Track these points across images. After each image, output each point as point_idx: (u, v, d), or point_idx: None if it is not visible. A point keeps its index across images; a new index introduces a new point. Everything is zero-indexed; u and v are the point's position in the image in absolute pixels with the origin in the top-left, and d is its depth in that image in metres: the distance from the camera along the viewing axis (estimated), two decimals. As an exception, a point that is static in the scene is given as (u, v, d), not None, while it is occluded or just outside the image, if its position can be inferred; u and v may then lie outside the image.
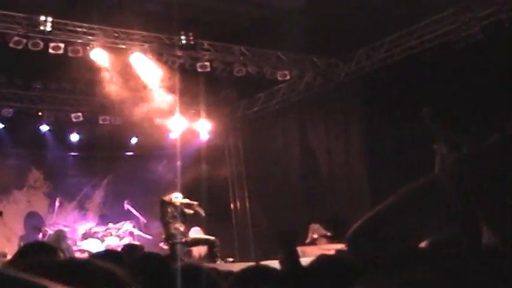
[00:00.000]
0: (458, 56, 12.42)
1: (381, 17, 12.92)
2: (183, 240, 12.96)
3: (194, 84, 15.17)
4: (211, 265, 12.28)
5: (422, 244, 3.06)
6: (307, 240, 14.13)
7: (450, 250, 2.50)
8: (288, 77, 15.13)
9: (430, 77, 12.79)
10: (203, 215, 13.29)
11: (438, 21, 12.81)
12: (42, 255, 4.54)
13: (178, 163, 15.15)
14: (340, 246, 11.00)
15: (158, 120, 16.81)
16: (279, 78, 15.15)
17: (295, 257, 5.05)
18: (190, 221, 13.53)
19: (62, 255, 14.45)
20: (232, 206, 18.49)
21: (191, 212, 13.24)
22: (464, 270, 2.01)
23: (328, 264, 3.39)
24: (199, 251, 14.25)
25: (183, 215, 13.14)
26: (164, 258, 5.05)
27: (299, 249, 12.34)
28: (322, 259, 3.76)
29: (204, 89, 15.72)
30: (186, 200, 13.29)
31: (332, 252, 11.64)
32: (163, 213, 13.22)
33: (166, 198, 13.12)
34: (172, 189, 13.71)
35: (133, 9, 12.87)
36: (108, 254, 6.04)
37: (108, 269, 1.68)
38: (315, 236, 14.17)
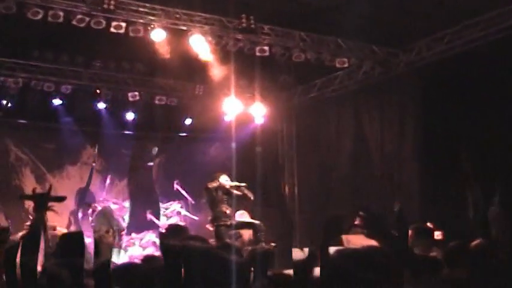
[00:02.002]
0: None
1: (444, 7, 12.83)
2: (228, 223, 13.01)
3: (251, 68, 15.27)
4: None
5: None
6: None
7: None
8: (346, 65, 14.81)
9: (492, 72, 12.45)
10: (251, 197, 13.06)
11: (503, 14, 12.37)
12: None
13: (233, 144, 15.14)
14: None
15: (213, 103, 16.98)
16: (338, 66, 14.82)
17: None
18: (238, 204, 13.37)
19: (111, 230, 14.74)
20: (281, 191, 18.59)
21: (239, 193, 13.26)
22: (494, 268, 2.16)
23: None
24: (247, 235, 13.89)
25: (231, 197, 13.17)
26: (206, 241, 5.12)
27: (344, 237, 12.38)
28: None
29: (260, 73, 15.80)
30: (235, 182, 13.31)
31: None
32: (210, 197, 13.17)
33: (213, 184, 13.05)
34: (222, 171, 13.73)
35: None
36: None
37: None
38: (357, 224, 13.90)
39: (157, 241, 15.98)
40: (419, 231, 7.48)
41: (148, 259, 8.88)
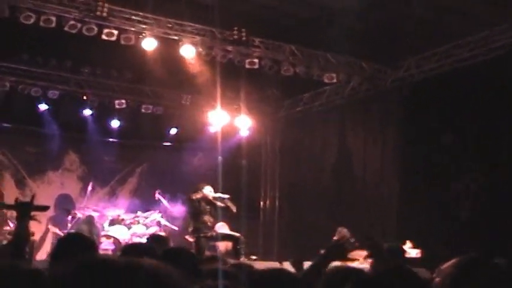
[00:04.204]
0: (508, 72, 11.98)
1: (434, 27, 12.74)
2: (209, 234, 12.85)
3: (238, 80, 15.00)
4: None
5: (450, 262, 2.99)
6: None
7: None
8: (334, 80, 14.58)
9: (477, 91, 12.43)
10: (234, 210, 12.79)
11: (491, 36, 12.35)
12: (81, 249, 4.51)
13: (219, 156, 15.01)
14: (363, 253, 10.89)
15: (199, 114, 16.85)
16: (326, 81, 14.64)
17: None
18: (220, 215, 13.03)
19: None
20: (261, 204, 18.26)
21: (222, 205, 13.11)
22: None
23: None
24: (224, 246, 13.67)
25: (215, 208, 13.02)
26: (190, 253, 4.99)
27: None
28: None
29: (247, 85, 15.64)
30: (219, 194, 13.16)
31: (356, 258, 11.57)
32: (193, 208, 12.91)
33: (197, 195, 12.86)
34: (204, 182, 13.59)
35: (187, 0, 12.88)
36: (139, 247, 5.95)
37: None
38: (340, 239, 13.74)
39: (162, 221, 15.90)
40: (390, 250, 7.42)
41: (155, 239, 8.80)
